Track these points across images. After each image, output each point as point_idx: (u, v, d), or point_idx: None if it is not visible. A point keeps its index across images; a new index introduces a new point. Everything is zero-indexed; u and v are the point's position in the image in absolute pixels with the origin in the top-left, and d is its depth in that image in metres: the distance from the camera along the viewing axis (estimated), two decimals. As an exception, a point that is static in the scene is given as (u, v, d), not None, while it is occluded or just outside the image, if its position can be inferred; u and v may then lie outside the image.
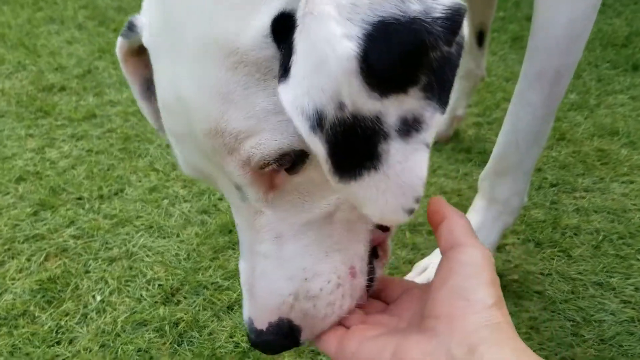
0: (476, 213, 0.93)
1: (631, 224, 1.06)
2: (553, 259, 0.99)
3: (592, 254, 1.00)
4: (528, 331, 0.86)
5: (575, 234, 1.04)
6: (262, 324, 0.52)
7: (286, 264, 0.51)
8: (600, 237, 1.03)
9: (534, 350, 0.88)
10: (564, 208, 1.11)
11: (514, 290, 0.92)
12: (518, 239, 1.03)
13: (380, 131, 0.41)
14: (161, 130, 0.55)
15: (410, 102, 0.41)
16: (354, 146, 0.42)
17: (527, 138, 0.86)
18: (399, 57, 0.39)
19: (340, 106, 0.39)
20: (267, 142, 0.44)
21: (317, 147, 0.41)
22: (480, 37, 1.20)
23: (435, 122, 0.42)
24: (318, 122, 0.40)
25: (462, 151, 1.29)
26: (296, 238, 0.51)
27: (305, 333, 0.53)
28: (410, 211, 0.44)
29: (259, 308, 0.52)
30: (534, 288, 0.93)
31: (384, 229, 0.55)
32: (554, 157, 1.25)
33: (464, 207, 1.02)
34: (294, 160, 0.46)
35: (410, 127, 0.42)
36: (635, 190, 1.15)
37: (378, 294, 0.57)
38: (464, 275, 0.43)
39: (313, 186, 0.49)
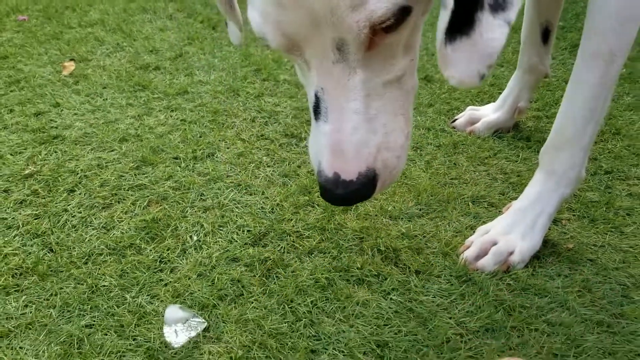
0: (535, 184, 1.02)
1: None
2: (606, 234, 1.07)
3: (643, 232, 1.07)
4: (581, 290, 0.94)
5: (628, 214, 1.12)
6: (351, 175, 0.59)
7: (372, 120, 0.59)
8: (652, 219, 1.10)
9: (586, 306, 0.98)
10: (617, 192, 1.18)
11: (569, 256, 1.01)
12: (574, 215, 1.12)
13: (480, 0, 0.53)
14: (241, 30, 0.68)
15: None
16: (460, 10, 0.53)
17: (583, 114, 0.94)
18: None
19: None
20: None
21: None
22: (545, 34, 1.28)
23: (518, 1, 0.53)
24: None
25: (522, 139, 1.38)
26: (379, 97, 0.59)
27: (380, 182, 0.62)
28: (483, 76, 0.55)
29: (349, 161, 0.59)
30: (588, 256, 1.01)
31: None
32: (609, 149, 1.33)
33: (523, 185, 1.12)
34: (398, 17, 0.54)
35: (499, 3, 0.53)
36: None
37: None
38: None
39: (397, 47, 0.58)
